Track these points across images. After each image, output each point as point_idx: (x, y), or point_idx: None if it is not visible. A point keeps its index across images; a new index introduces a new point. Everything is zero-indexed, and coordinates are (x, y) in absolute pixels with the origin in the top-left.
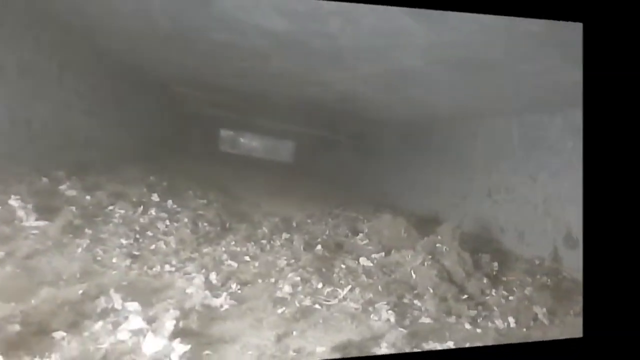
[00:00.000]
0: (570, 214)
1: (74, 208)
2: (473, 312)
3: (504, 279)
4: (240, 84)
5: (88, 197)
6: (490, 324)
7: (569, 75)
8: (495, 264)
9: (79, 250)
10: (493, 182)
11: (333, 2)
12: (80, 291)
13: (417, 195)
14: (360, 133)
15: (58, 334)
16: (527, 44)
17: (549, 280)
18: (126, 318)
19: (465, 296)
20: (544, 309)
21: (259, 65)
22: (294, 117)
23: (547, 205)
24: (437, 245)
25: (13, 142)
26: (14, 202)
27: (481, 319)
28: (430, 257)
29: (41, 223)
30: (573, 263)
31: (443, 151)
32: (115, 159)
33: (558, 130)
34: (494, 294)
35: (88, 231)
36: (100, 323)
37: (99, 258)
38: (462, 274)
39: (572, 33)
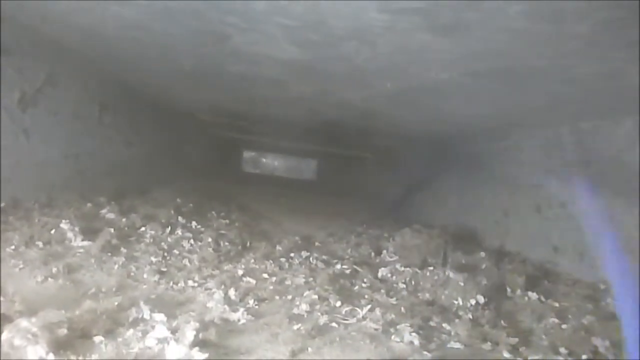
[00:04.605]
0: None
1: (112, 229)
2: (514, 340)
3: (557, 304)
4: (260, 110)
5: (124, 220)
6: (535, 355)
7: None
8: (546, 287)
9: (116, 266)
10: (543, 197)
11: (346, 28)
12: (116, 302)
13: (451, 211)
14: (386, 149)
15: (97, 338)
16: (576, 47)
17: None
18: (153, 327)
19: (505, 322)
20: (607, 342)
21: (276, 92)
22: (315, 137)
23: (614, 223)
24: (472, 265)
25: (65, 173)
26: (64, 225)
27: (524, 348)
28: (463, 277)
29: (85, 243)
30: None
31: (480, 165)
32: (148, 184)
33: (624, 139)
34: (542, 321)
35: (123, 250)
36: (131, 330)
37: (132, 273)
38: (501, 297)
39: (635, 31)
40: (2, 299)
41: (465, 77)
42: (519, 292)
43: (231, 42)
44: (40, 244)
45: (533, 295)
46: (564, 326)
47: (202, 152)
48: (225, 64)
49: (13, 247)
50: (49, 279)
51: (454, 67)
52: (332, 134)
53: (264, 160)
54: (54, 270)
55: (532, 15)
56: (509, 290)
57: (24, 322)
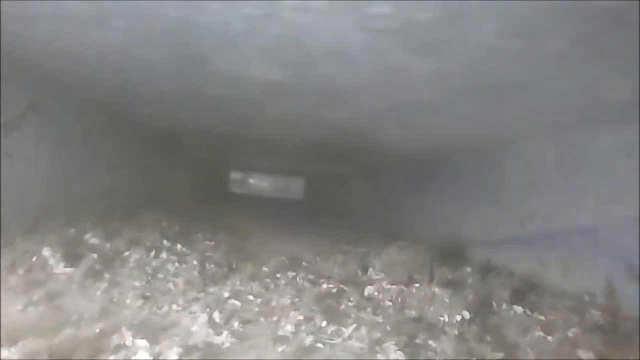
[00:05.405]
0: (627, 244)
1: (95, 255)
2: (499, 355)
3: (542, 317)
4: (243, 130)
5: (108, 245)
6: None
7: (616, 89)
8: (532, 300)
9: (99, 292)
10: (527, 211)
11: (324, 48)
12: (98, 329)
13: (438, 228)
14: (372, 167)
15: None
16: (550, 62)
17: (601, 319)
18: (135, 353)
19: (491, 337)
20: (591, 353)
21: (258, 112)
22: (301, 156)
23: (596, 235)
24: (458, 280)
25: (49, 198)
26: (46, 252)
27: None
28: (449, 293)
29: (68, 269)
30: (634, 300)
31: (466, 180)
32: (134, 207)
33: (605, 151)
34: (528, 334)
35: (107, 275)
36: (112, 357)
37: (115, 299)
38: (487, 311)
39: (610, 43)
40: None
41: (445, 95)
42: (504, 306)
43: (211, 65)
44: (21, 271)
45: (519, 309)
46: (549, 339)
47: (188, 174)
48: (206, 87)
49: None
50: (30, 307)
51: (433, 85)
52: (317, 153)
53: (250, 180)
54: (35, 297)
55: (504, 33)
56: (494, 304)
57: (4, 352)
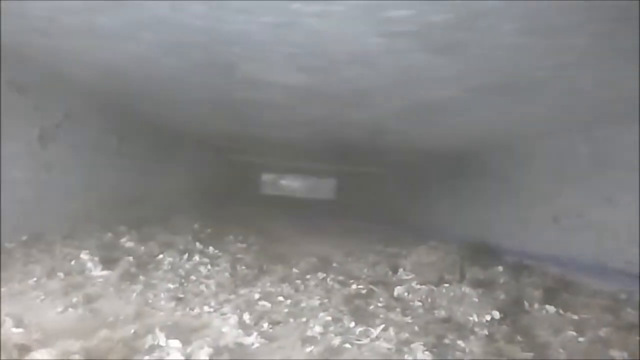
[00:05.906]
0: None
1: (131, 258)
2: (529, 355)
3: (575, 317)
4: (273, 132)
5: (143, 248)
6: None
7: (636, 86)
8: (565, 299)
9: (134, 294)
10: (560, 207)
11: (347, 52)
12: (133, 330)
13: (468, 226)
14: (401, 165)
15: None
16: (572, 59)
17: (637, 318)
18: (168, 354)
19: (521, 337)
20: (625, 353)
21: (286, 115)
22: (331, 156)
23: (632, 231)
24: (489, 280)
25: (86, 205)
26: (84, 255)
27: None
28: (479, 293)
29: (105, 272)
30: None
31: (496, 177)
32: (168, 211)
33: (634, 144)
34: (560, 334)
35: (142, 278)
36: (147, 358)
37: (150, 301)
38: (518, 311)
39: (628, 41)
40: (22, 330)
41: (467, 94)
42: (536, 305)
43: (239, 72)
44: (61, 274)
45: (551, 308)
46: (581, 339)
47: (219, 177)
48: (234, 92)
49: (35, 279)
50: (69, 309)
51: (454, 85)
52: (346, 153)
53: (282, 182)
54: (74, 300)
55: (525, 32)
56: (526, 304)
57: (39, 354)
